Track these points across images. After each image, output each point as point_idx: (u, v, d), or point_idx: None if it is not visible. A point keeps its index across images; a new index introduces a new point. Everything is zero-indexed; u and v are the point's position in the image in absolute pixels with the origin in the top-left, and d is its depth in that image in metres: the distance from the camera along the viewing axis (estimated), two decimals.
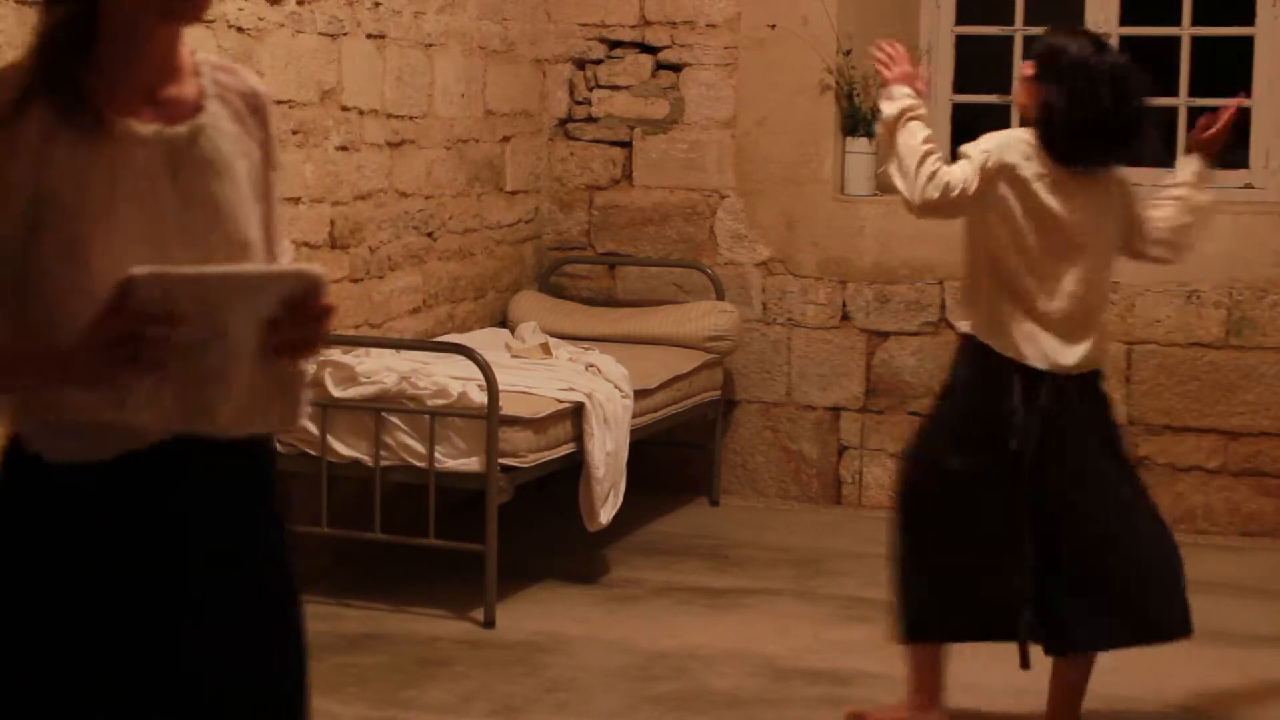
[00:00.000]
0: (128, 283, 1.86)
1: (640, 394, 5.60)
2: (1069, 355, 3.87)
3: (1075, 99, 3.81)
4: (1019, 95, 4.04)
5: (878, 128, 3.78)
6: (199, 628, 2.10)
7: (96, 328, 1.89)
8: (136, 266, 1.88)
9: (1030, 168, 3.84)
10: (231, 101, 2.15)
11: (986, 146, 3.87)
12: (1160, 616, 3.96)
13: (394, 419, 4.97)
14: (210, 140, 2.10)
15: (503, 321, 6.43)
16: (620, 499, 5.35)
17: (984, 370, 3.91)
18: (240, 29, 4.85)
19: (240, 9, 4.84)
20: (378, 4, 5.54)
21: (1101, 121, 3.83)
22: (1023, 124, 4.02)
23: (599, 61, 6.64)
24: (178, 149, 2.06)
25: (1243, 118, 6.22)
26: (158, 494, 2.06)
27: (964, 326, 3.99)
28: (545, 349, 5.74)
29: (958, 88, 6.51)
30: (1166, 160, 6.41)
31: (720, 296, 6.43)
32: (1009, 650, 3.98)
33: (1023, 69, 4.00)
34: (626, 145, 6.64)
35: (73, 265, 1.99)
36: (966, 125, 6.47)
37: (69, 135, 2.00)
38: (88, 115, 2.00)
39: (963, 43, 6.51)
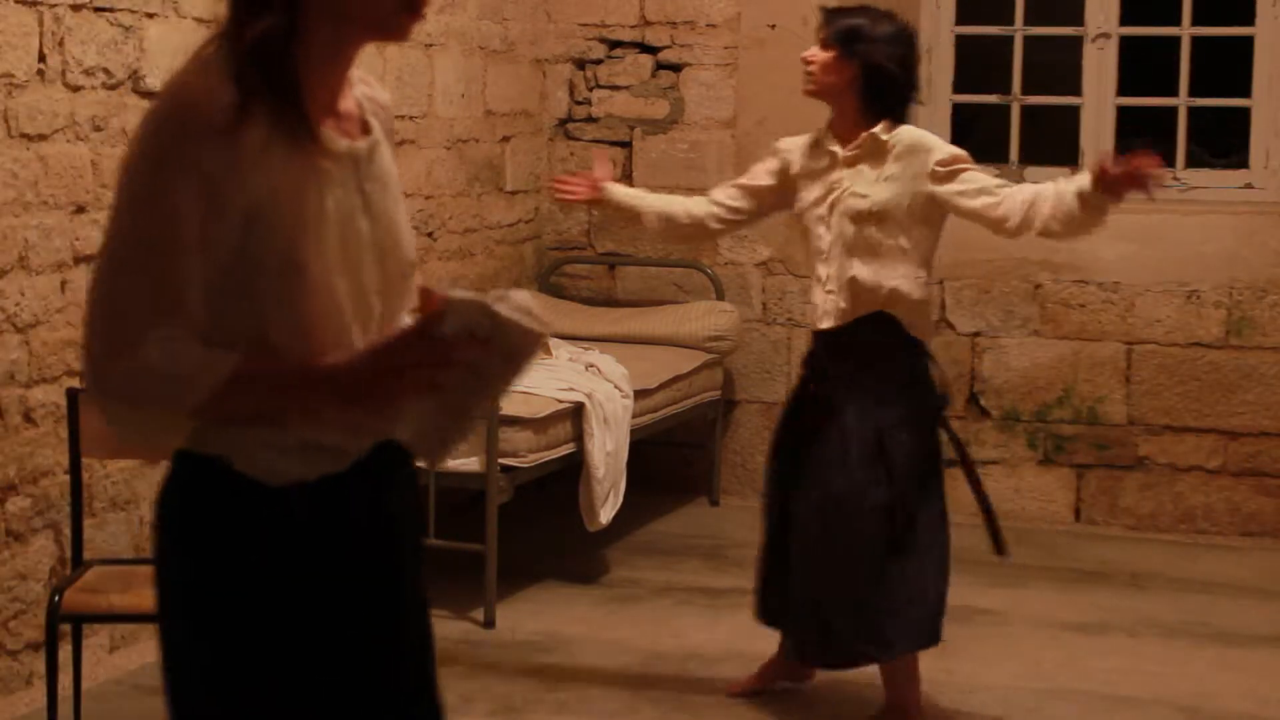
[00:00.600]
0: (446, 306, 1.83)
1: (640, 394, 5.60)
2: None
3: (906, 63, 3.91)
4: (818, 77, 4.01)
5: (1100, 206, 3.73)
6: (406, 627, 2.13)
7: (404, 350, 1.88)
8: (453, 290, 1.87)
9: None
10: (379, 115, 2.14)
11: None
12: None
13: None
14: (383, 156, 2.09)
15: None
16: (620, 499, 5.35)
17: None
18: None
19: None
20: None
21: (916, 81, 3.99)
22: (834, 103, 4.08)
23: (599, 61, 6.64)
24: (361, 164, 2.04)
25: (1242, 118, 6.24)
26: (356, 507, 2.06)
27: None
28: (545, 349, 5.73)
29: (957, 88, 6.50)
30: (1168, 161, 6.46)
31: (720, 296, 6.43)
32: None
33: (811, 55, 3.99)
34: (626, 145, 6.64)
35: (291, 279, 1.93)
36: (966, 125, 6.47)
37: (283, 145, 1.95)
38: (303, 125, 1.96)
39: (963, 43, 6.50)
